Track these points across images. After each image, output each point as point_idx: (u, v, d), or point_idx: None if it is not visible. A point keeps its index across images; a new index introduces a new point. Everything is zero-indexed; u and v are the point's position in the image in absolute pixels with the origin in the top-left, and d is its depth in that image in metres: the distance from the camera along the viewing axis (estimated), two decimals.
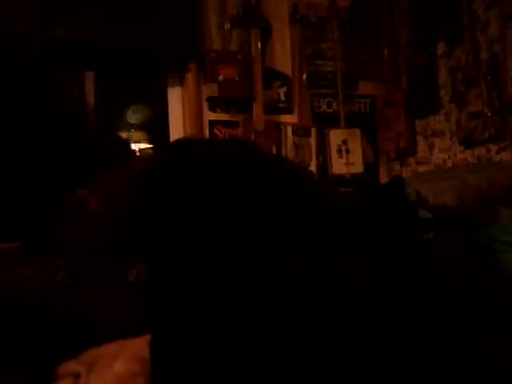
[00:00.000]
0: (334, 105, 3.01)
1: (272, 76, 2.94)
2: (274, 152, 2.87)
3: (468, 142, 2.52)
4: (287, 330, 0.59)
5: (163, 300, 0.65)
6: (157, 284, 0.67)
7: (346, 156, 2.93)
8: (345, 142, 2.94)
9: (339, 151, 2.93)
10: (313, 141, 2.97)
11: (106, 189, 0.82)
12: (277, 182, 0.70)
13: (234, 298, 0.61)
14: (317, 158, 2.96)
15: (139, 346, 0.71)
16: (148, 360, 0.67)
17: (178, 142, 0.82)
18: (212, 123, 2.85)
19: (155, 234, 0.66)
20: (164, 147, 0.83)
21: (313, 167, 2.95)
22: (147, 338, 0.69)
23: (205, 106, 2.84)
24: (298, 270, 0.61)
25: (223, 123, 2.86)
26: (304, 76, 2.99)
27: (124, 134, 4.14)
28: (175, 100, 2.89)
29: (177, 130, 2.87)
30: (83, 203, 0.80)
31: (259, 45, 2.85)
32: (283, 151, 2.91)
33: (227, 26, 2.85)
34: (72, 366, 0.75)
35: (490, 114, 2.35)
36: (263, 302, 0.60)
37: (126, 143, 0.96)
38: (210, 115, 2.85)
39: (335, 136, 2.94)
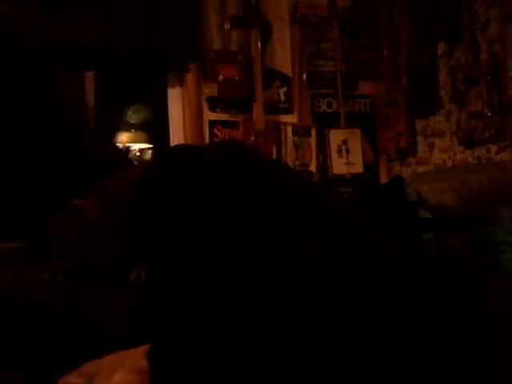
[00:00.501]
0: (334, 105, 3.01)
1: (272, 76, 2.94)
2: (274, 152, 2.87)
3: (468, 142, 2.52)
4: (287, 331, 0.60)
5: (162, 305, 0.66)
6: (156, 288, 0.67)
7: (346, 156, 2.93)
8: (345, 142, 2.94)
9: (339, 151, 2.93)
10: (313, 141, 2.97)
11: (106, 196, 0.82)
12: (275, 186, 0.70)
13: (233, 302, 0.61)
14: (317, 158, 2.96)
15: (138, 357, 0.71)
16: (147, 371, 0.67)
17: (176, 148, 0.82)
18: (212, 123, 2.85)
19: (155, 239, 0.66)
20: (163, 153, 0.83)
21: (313, 167, 2.95)
22: (146, 348, 0.69)
23: (205, 106, 2.84)
24: (295, 273, 0.61)
25: (223, 123, 2.86)
26: (304, 76, 2.99)
27: (124, 134, 4.15)
28: (175, 100, 2.89)
29: (177, 130, 2.88)
30: (83, 211, 0.81)
31: (259, 45, 2.85)
32: (283, 151, 2.91)
33: (227, 26, 2.85)
34: (72, 378, 0.75)
35: (490, 114, 2.35)
36: (263, 307, 0.60)
37: (124, 151, 0.97)
38: (210, 115, 2.85)
39: (335, 136, 2.94)
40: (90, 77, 2.98)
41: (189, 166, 0.70)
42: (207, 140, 2.82)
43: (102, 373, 0.73)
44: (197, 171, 0.69)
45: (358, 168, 2.92)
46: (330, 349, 0.59)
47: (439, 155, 2.75)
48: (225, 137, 2.85)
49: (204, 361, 0.62)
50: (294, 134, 2.94)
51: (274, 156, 2.86)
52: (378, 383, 0.59)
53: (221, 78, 2.77)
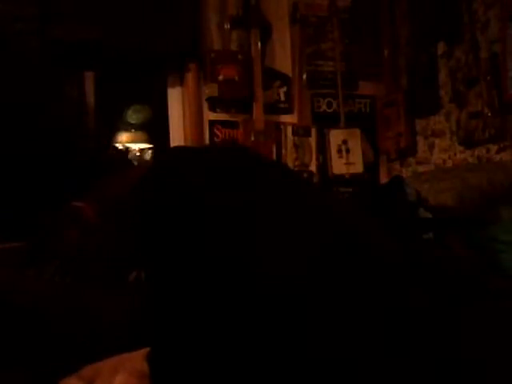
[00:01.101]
0: (334, 105, 3.01)
1: (272, 76, 2.94)
2: (274, 152, 2.87)
3: (468, 142, 2.52)
4: (289, 331, 0.60)
5: (162, 306, 0.66)
6: (156, 289, 0.67)
7: (346, 156, 2.93)
8: (345, 142, 2.94)
9: (339, 151, 2.93)
10: (313, 141, 2.97)
11: (106, 197, 0.82)
12: (275, 186, 0.71)
13: (234, 303, 0.61)
14: (317, 158, 2.96)
15: (139, 360, 0.71)
16: (147, 374, 0.67)
17: (176, 148, 0.82)
18: (212, 123, 2.85)
19: (155, 240, 0.66)
20: (163, 154, 0.84)
21: (313, 167, 2.95)
22: (146, 351, 0.69)
23: (205, 106, 2.84)
24: (295, 273, 0.61)
25: (223, 123, 2.86)
26: (304, 76, 2.99)
27: (124, 134, 4.15)
28: (175, 100, 2.89)
29: (177, 130, 2.88)
30: (83, 212, 0.81)
31: (259, 45, 2.85)
32: (283, 151, 2.91)
33: (227, 26, 2.85)
34: (72, 381, 0.74)
35: (490, 114, 2.35)
36: (264, 307, 0.60)
37: (124, 151, 0.97)
38: (210, 115, 2.85)
39: (335, 136, 2.94)
40: (89, 77, 2.98)
41: (188, 166, 0.70)
42: (207, 140, 2.82)
43: (103, 376, 0.73)
44: (196, 171, 0.69)
45: (358, 168, 2.92)
46: (329, 349, 0.59)
47: (439, 155, 2.75)
48: (225, 137, 2.85)
49: (205, 365, 0.62)
50: (294, 134, 2.94)
51: (274, 156, 2.86)
52: (378, 383, 0.59)
53: (221, 77, 2.77)
